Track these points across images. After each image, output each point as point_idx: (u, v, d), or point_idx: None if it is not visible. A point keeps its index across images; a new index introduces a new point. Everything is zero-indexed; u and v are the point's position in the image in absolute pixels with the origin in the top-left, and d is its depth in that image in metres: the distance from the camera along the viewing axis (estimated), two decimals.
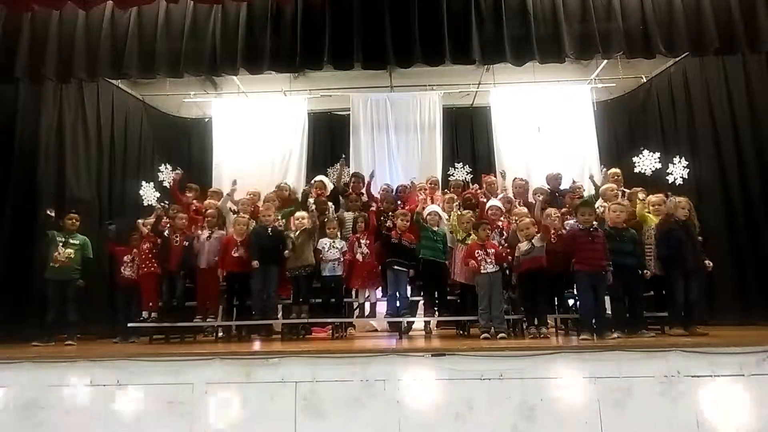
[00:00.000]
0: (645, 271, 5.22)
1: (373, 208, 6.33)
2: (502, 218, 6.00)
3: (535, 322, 5.22)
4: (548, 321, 5.38)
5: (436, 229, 5.75)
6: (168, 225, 6.10)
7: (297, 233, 5.72)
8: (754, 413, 3.84)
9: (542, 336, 4.97)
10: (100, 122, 7.67)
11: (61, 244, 5.90)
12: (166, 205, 6.68)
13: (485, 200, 6.26)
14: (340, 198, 6.97)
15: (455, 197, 6.59)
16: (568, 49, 5.95)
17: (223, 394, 4.11)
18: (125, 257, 6.26)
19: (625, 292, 5.05)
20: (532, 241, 5.19)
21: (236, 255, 5.70)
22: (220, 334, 6.06)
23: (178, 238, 5.90)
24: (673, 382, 3.93)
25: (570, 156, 7.96)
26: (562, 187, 6.95)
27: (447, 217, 6.05)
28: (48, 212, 5.94)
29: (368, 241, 5.85)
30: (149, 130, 8.70)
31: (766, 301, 6.30)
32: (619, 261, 5.02)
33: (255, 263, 5.53)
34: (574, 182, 7.03)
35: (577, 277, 5.03)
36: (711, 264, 5.23)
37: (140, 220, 6.38)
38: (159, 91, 8.54)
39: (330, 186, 7.14)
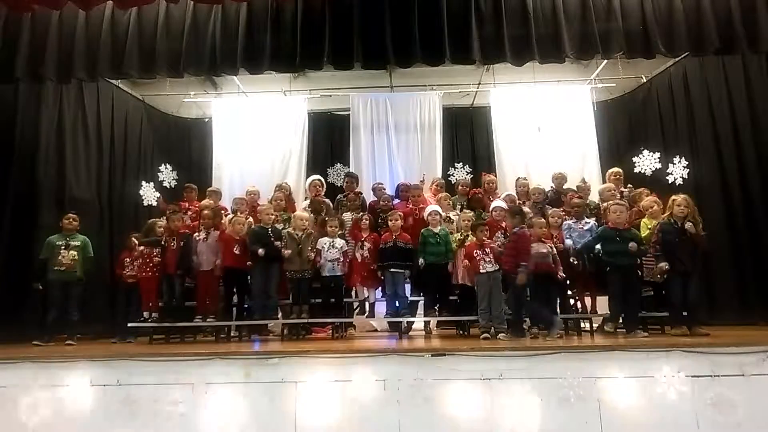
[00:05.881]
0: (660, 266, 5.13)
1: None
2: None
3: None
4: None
5: (437, 230, 5.74)
6: (161, 233, 6.10)
7: (301, 236, 5.71)
8: (754, 413, 3.83)
9: (557, 336, 4.96)
10: (100, 122, 7.67)
11: (63, 247, 5.88)
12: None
13: (491, 199, 6.30)
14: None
15: (449, 195, 6.60)
16: (568, 49, 5.95)
17: (223, 394, 4.11)
18: (126, 260, 6.29)
19: (623, 293, 5.05)
20: (550, 246, 5.20)
21: (237, 252, 5.71)
22: (221, 334, 6.06)
23: (175, 241, 5.89)
24: (672, 382, 3.92)
25: (570, 156, 7.96)
26: (567, 188, 6.91)
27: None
28: (36, 287, 5.87)
29: (370, 245, 5.84)
30: (149, 130, 8.69)
31: (766, 301, 6.30)
32: (618, 262, 5.02)
33: (261, 251, 5.52)
34: (584, 181, 6.96)
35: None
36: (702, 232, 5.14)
37: (134, 236, 6.42)
38: (159, 91, 8.53)
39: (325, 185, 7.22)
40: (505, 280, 5.14)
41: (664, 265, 4.93)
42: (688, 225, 4.96)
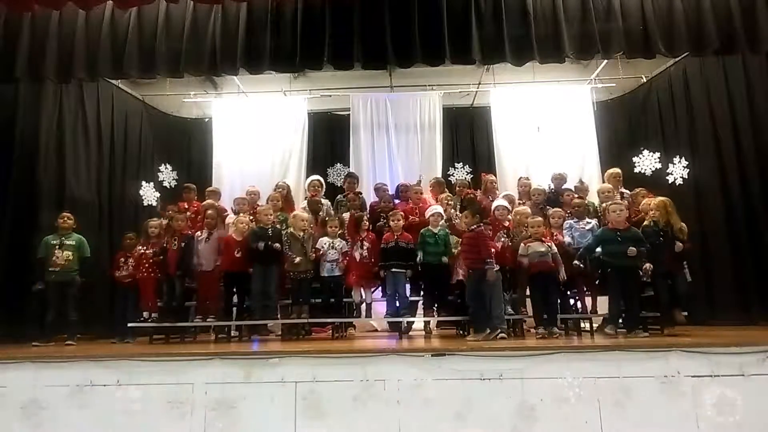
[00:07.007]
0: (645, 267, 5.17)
1: None
2: (508, 217, 6.00)
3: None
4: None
5: (436, 230, 5.72)
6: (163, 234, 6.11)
7: (304, 236, 5.69)
8: (754, 413, 3.83)
9: (556, 336, 4.96)
10: (100, 122, 7.67)
11: (57, 247, 5.87)
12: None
13: (491, 199, 6.28)
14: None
15: (451, 196, 6.60)
16: (568, 49, 5.95)
17: (223, 394, 4.11)
18: (120, 260, 6.29)
19: (623, 293, 5.06)
20: (548, 245, 5.19)
21: (238, 255, 5.70)
22: (221, 334, 6.06)
23: (176, 242, 5.88)
24: (673, 382, 3.93)
25: (570, 156, 7.97)
26: (564, 188, 6.89)
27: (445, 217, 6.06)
28: (37, 286, 5.84)
29: (369, 245, 5.83)
30: (149, 130, 8.69)
31: (766, 301, 6.30)
32: (619, 263, 5.02)
33: (261, 244, 5.53)
34: (582, 182, 6.95)
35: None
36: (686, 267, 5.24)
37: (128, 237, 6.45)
38: (159, 91, 8.54)
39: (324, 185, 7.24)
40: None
41: (648, 266, 5.00)
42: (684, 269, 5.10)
